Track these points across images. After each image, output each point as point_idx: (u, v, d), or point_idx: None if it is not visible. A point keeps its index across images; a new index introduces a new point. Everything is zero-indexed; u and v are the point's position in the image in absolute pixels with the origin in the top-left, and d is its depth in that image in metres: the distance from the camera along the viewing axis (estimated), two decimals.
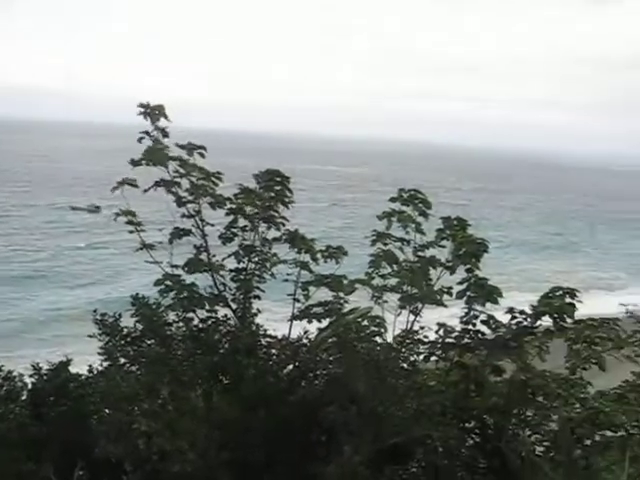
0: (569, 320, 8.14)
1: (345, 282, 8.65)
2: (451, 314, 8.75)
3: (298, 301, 8.99)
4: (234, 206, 8.94)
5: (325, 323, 8.75)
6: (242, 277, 8.83)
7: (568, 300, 8.10)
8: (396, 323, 8.43)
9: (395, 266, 8.31)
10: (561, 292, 8.14)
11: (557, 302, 8.05)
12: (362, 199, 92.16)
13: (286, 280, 9.02)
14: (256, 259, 8.82)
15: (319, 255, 8.82)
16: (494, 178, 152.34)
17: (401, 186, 8.73)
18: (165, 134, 8.72)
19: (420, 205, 8.38)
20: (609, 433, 8.27)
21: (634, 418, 8.22)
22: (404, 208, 8.45)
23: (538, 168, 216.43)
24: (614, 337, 8.63)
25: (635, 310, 12.00)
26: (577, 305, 8.34)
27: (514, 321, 8.27)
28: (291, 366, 8.50)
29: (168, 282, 8.71)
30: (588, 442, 8.26)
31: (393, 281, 8.37)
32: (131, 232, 8.88)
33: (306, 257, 9.04)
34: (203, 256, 8.93)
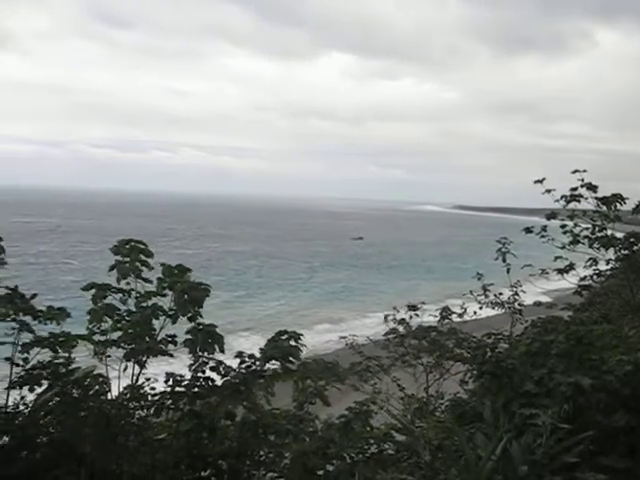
0: (295, 362, 8.51)
1: (66, 340, 8.25)
2: (184, 363, 8.69)
3: (18, 365, 8.37)
4: None
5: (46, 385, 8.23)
6: None
7: (293, 343, 8.46)
8: (122, 377, 8.20)
9: (117, 318, 8.10)
10: (286, 336, 8.48)
11: (284, 345, 8.39)
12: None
13: (2, 343, 8.37)
14: None
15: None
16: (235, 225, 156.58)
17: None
18: None
19: (141, 255, 8.27)
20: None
21: (358, 445, 8.74)
22: (127, 259, 8.29)
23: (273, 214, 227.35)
24: (334, 371, 9.25)
25: (354, 341, 12.88)
26: (306, 343, 8.75)
27: (243, 365, 8.44)
28: (7, 437, 7.86)
29: None
30: (320, 472, 8.60)
31: (116, 334, 8.14)
32: None
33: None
34: None
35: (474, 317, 13.05)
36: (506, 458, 5.62)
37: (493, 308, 12.89)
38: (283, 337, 8.56)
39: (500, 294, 12.88)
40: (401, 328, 12.84)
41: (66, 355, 8.22)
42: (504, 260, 12.13)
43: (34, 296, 8.42)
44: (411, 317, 13.05)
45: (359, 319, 52.43)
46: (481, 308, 12.93)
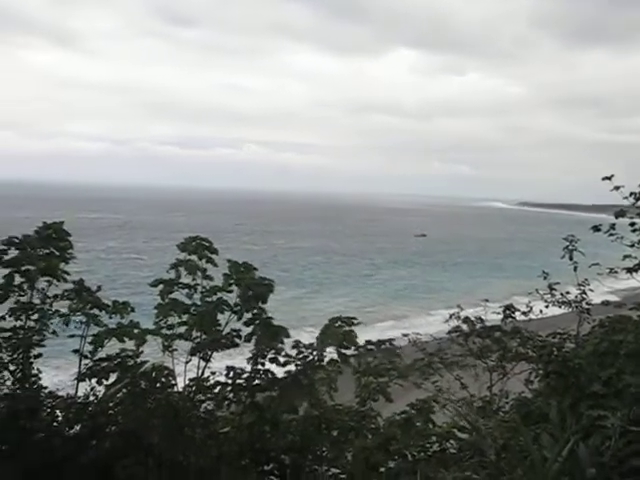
0: (352, 347, 8.53)
1: (135, 332, 8.48)
2: (245, 357, 8.82)
3: (86, 357, 8.63)
4: None
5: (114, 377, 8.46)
6: (20, 336, 8.35)
7: (347, 328, 8.50)
8: (186, 371, 8.37)
9: (183, 314, 8.28)
10: (340, 322, 8.54)
11: (339, 331, 8.45)
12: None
13: (72, 336, 8.65)
14: (35, 316, 8.42)
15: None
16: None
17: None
18: None
19: (205, 252, 8.45)
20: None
21: (420, 442, 8.68)
22: (191, 256, 8.48)
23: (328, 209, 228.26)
24: (397, 367, 9.20)
25: (417, 339, 12.63)
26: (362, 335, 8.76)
27: (301, 355, 8.52)
28: (79, 426, 8.11)
29: None
30: (382, 469, 8.58)
31: (182, 328, 8.33)
32: None
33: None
34: None
35: (539, 316, 12.76)
36: (573, 460, 5.48)
37: (559, 307, 12.60)
38: (337, 324, 8.63)
39: (567, 292, 12.57)
40: (465, 326, 12.64)
41: (134, 348, 8.47)
42: (571, 258, 11.84)
43: (99, 288, 8.72)
44: (475, 320, 12.85)
45: (423, 317, 52.05)
46: (547, 307, 12.66)
